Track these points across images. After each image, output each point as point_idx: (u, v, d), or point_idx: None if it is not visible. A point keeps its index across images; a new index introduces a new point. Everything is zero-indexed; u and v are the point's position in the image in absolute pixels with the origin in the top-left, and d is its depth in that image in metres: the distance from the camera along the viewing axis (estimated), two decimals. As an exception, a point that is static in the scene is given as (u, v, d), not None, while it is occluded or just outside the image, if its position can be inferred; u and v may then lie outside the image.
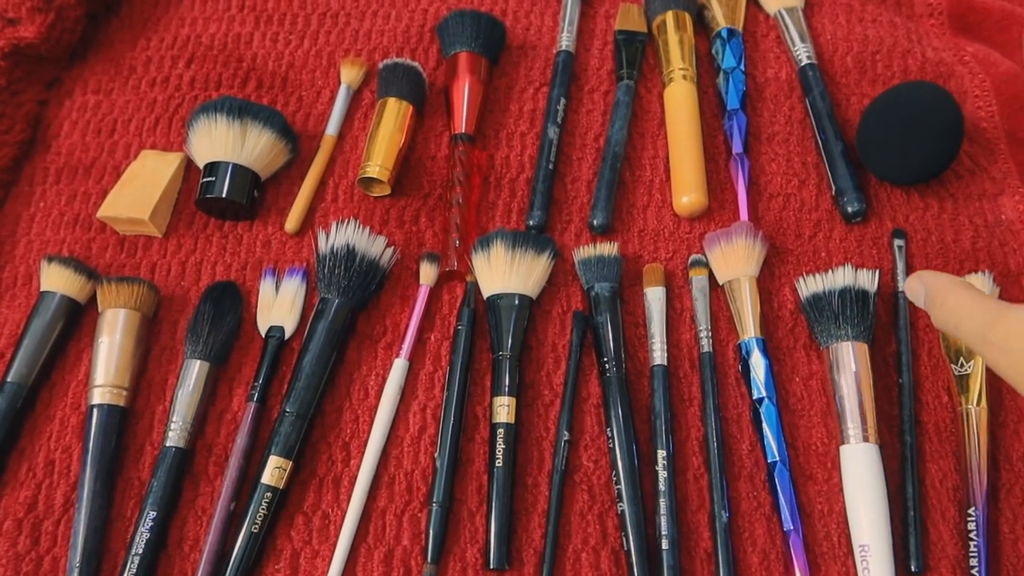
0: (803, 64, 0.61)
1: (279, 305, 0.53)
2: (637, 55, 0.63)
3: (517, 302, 0.51)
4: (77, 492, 0.47)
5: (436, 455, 0.48)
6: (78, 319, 0.54)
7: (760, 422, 0.48)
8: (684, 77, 0.60)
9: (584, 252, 0.54)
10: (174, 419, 0.49)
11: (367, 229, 0.54)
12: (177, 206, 0.59)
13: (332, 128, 0.61)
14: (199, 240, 0.57)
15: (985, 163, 0.57)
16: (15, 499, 0.48)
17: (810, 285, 0.51)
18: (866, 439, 0.46)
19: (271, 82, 0.64)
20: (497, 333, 0.51)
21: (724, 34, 0.62)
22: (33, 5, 0.62)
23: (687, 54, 0.61)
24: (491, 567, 0.45)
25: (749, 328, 0.51)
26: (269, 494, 0.46)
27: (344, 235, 0.53)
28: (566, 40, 0.64)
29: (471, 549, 0.46)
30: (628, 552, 0.45)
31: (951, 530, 0.46)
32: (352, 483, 0.48)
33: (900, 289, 0.52)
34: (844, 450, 0.47)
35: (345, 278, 0.52)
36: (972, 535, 0.45)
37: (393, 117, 0.59)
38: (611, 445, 0.48)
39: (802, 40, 0.62)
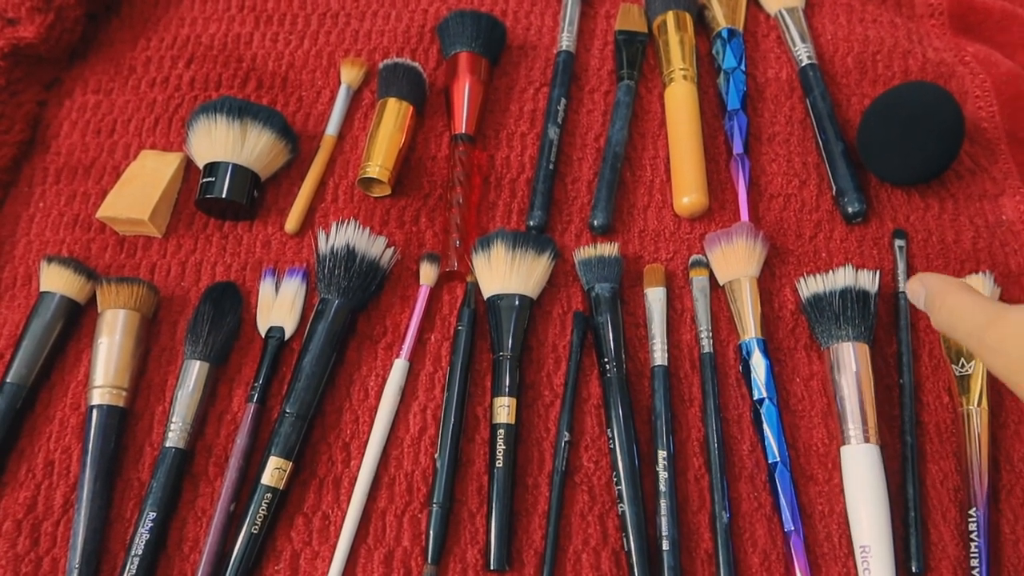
0: (804, 64, 0.61)
1: (279, 305, 0.53)
2: (637, 55, 0.63)
3: (517, 302, 0.51)
4: (76, 493, 0.47)
5: (436, 456, 0.48)
6: (78, 320, 0.54)
7: (761, 423, 0.48)
8: (685, 77, 0.60)
9: (584, 252, 0.54)
10: (174, 420, 0.49)
11: (367, 229, 0.54)
12: (177, 206, 0.59)
13: (332, 128, 0.61)
14: (199, 240, 0.57)
15: (986, 163, 0.57)
16: (14, 500, 0.48)
17: (811, 285, 0.51)
18: (867, 440, 0.46)
19: (271, 82, 0.64)
20: (497, 334, 0.51)
21: (725, 34, 0.62)
22: (33, 5, 0.62)
23: (688, 54, 0.61)
24: (491, 568, 0.45)
25: (750, 328, 0.51)
26: (269, 495, 0.46)
27: (344, 235, 0.53)
28: (566, 40, 0.64)
29: (471, 550, 0.46)
30: (629, 553, 0.45)
31: (952, 531, 0.46)
32: (352, 484, 0.48)
33: (901, 289, 0.52)
34: (845, 451, 0.47)
35: (345, 278, 0.52)
36: (973, 536, 0.45)
37: (393, 117, 0.58)
38: (611, 446, 0.48)
39: (803, 40, 0.62)
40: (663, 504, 0.46)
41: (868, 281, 0.51)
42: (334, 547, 0.46)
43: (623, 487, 0.46)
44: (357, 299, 0.52)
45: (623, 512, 0.46)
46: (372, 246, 0.53)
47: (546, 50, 0.65)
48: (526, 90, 0.63)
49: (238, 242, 0.57)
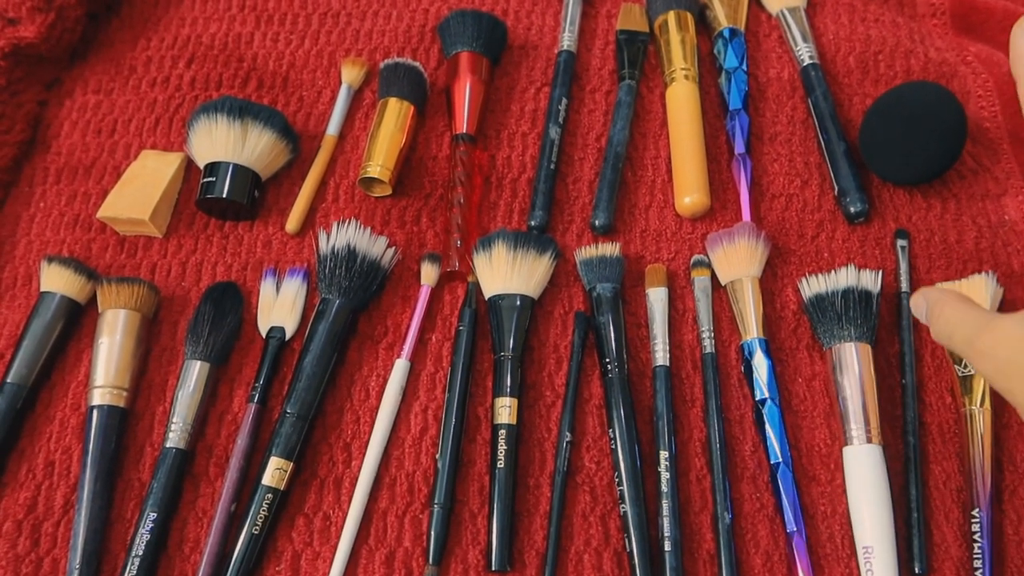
0: (805, 64, 0.61)
1: (280, 306, 0.53)
2: (639, 55, 0.62)
3: (519, 303, 0.51)
4: (77, 493, 0.47)
5: (437, 456, 0.48)
6: (78, 320, 0.54)
7: (763, 423, 0.48)
8: (686, 77, 0.60)
9: (586, 252, 0.53)
10: (174, 420, 0.48)
11: (368, 229, 0.54)
12: (177, 206, 0.59)
13: (333, 128, 0.61)
14: (199, 240, 0.57)
15: (988, 163, 0.57)
16: (15, 500, 0.48)
17: (813, 286, 0.51)
18: (869, 440, 0.46)
19: (272, 82, 0.64)
20: (499, 334, 0.51)
21: (726, 34, 0.62)
22: (33, 5, 0.61)
23: (689, 54, 0.61)
24: (493, 569, 0.45)
25: (752, 329, 0.50)
26: (270, 495, 0.46)
27: (345, 235, 0.53)
28: (567, 40, 0.64)
29: (473, 551, 0.46)
30: (630, 554, 0.45)
31: (955, 532, 0.46)
32: (353, 484, 0.48)
33: (903, 290, 0.52)
34: (847, 451, 0.47)
35: (346, 279, 0.52)
36: (976, 537, 0.44)
37: (394, 117, 0.58)
38: (613, 446, 0.48)
39: (804, 40, 0.62)
40: (665, 505, 0.46)
41: (870, 281, 0.51)
42: (335, 548, 0.46)
43: (625, 487, 0.46)
44: (358, 299, 0.52)
45: (625, 513, 0.46)
46: (373, 246, 0.53)
47: (547, 50, 0.65)
48: (527, 90, 0.63)
49: (239, 242, 0.57)
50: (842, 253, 0.54)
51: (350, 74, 0.63)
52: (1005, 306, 0.51)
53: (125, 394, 0.50)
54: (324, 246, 0.53)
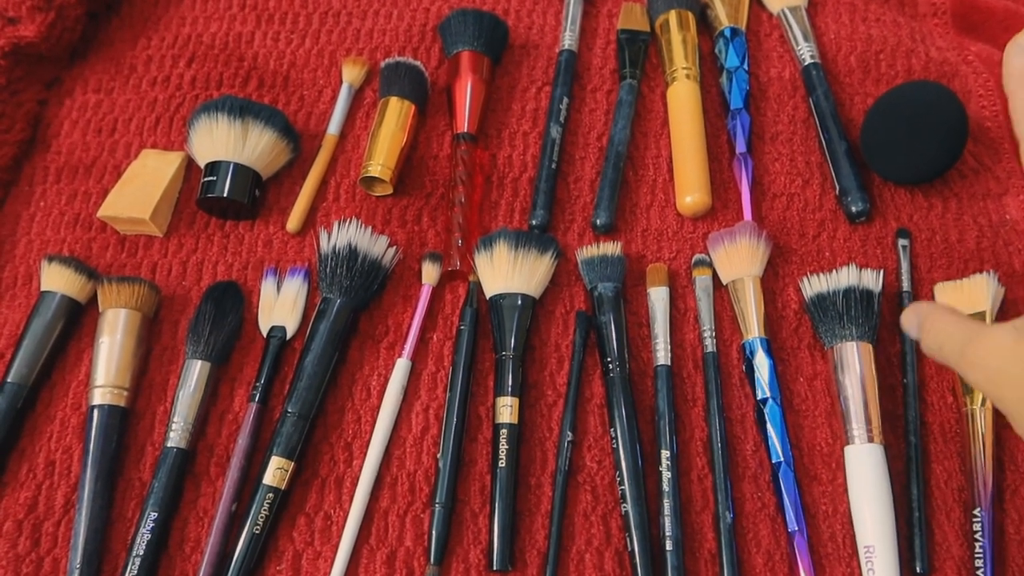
0: (807, 63, 0.61)
1: (281, 305, 0.53)
2: (640, 54, 0.62)
3: (520, 302, 0.51)
4: (78, 493, 0.47)
5: (439, 455, 0.48)
6: (78, 319, 0.54)
7: (764, 423, 0.48)
8: (687, 76, 0.60)
9: (587, 252, 0.53)
10: (175, 419, 0.48)
11: (369, 229, 0.54)
12: (178, 206, 0.58)
13: (334, 127, 0.61)
14: (200, 240, 0.57)
15: (989, 163, 0.57)
16: (15, 500, 0.48)
17: (814, 285, 0.51)
18: (871, 440, 0.46)
19: (272, 81, 0.64)
20: (500, 333, 0.51)
21: (727, 33, 0.62)
22: (33, 4, 0.61)
23: (690, 53, 0.61)
24: (494, 568, 0.45)
25: (753, 328, 0.50)
26: (271, 495, 0.46)
27: (346, 235, 0.53)
28: (569, 39, 0.64)
29: (474, 550, 0.46)
30: (632, 553, 0.45)
31: (956, 531, 0.46)
32: (354, 484, 0.48)
33: (905, 289, 0.52)
34: (849, 451, 0.47)
35: (347, 278, 0.52)
36: (977, 536, 0.44)
37: (395, 116, 0.58)
38: (615, 446, 0.48)
39: (805, 39, 0.62)
40: (666, 504, 0.46)
41: (872, 280, 0.51)
42: (336, 547, 0.46)
43: (626, 487, 0.46)
44: (359, 298, 0.52)
45: (626, 512, 0.46)
46: (374, 245, 0.53)
47: (548, 49, 0.65)
48: (528, 89, 0.63)
49: (239, 241, 0.57)
50: (843, 252, 0.54)
51: (351, 73, 0.63)
52: (1006, 305, 0.51)
53: (126, 393, 0.50)
54: (325, 245, 0.53)
